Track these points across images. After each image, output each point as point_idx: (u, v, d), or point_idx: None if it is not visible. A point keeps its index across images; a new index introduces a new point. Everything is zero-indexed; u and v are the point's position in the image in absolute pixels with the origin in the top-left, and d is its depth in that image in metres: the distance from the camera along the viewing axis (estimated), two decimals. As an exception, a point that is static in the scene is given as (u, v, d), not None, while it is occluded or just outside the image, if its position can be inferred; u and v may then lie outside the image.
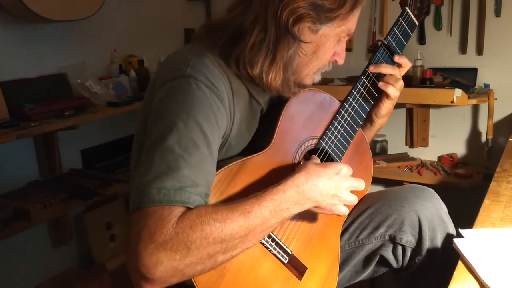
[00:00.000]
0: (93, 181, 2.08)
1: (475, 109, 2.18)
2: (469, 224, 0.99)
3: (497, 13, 2.04)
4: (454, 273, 0.81)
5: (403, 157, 2.30)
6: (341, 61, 1.04)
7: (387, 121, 1.23)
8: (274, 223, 0.86)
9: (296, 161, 1.01)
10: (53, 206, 1.87)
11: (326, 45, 0.97)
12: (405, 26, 1.17)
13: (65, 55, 2.16)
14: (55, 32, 2.10)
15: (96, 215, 2.23)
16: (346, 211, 0.95)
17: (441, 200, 1.13)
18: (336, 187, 0.91)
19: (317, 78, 1.04)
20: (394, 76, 1.12)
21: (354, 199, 0.95)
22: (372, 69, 1.12)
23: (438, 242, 1.07)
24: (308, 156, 1.06)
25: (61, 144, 2.11)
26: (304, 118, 1.04)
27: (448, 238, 1.07)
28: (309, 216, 1.01)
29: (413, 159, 2.27)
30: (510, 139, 1.63)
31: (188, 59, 0.92)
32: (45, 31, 2.07)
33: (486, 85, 2.10)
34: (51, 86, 2.04)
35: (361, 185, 0.96)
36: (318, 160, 1.01)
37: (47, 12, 1.83)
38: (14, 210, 1.78)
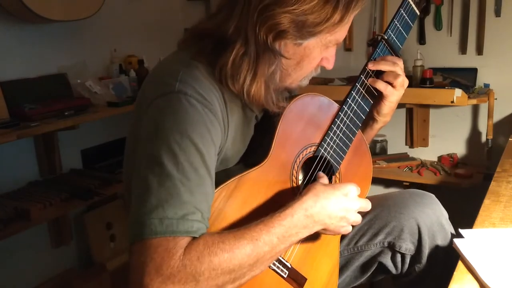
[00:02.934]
0: (93, 181, 2.07)
1: (475, 109, 2.17)
2: (469, 224, 0.99)
3: (497, 13, 2.04)
4: (454, 273, 0.81)
5: (403, 157, 2.30)
6: (329, 66, 0.97)
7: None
8: (282, 249, 0.84)
9: (294, 172, 0.98)
10: (53, 206, 1.86)
11: (311, 56, 0.91)
12: (406, 17, 1.12)
13: (65, 55, 2.16)
14: (55, 32, 2.10)
15: (96, 215, 2.23)
16: (351, 229, 0.93)
17: (441, 206, 1.10)
18: (345, 209, 0.89)
19: (304, 83, 0.98)
20: (393, 73, 1.06)
21: (360, 220, 0.93)
22: (371, 66, 1.06)
23: (438, 250, 1.05)
24: (308, 161, 1.02)
25: (61, 144, 2.11)
26: (302, 126, 0.99)
27: (448, 245, 1.04)
28: None
29: (413, 159, 2.27)
30: (510, 139, 1.63)
31: (176, 71, 0.87)
32: (45, 31, 2.06)
33: (486, 85, 2.10)
34: (51, 86, 2.04)
35: (368, 206, 0.93)
36: (326, 179, 0.97)
37: (47, 12, 1.83)
38: (14, 210, 1.78)
